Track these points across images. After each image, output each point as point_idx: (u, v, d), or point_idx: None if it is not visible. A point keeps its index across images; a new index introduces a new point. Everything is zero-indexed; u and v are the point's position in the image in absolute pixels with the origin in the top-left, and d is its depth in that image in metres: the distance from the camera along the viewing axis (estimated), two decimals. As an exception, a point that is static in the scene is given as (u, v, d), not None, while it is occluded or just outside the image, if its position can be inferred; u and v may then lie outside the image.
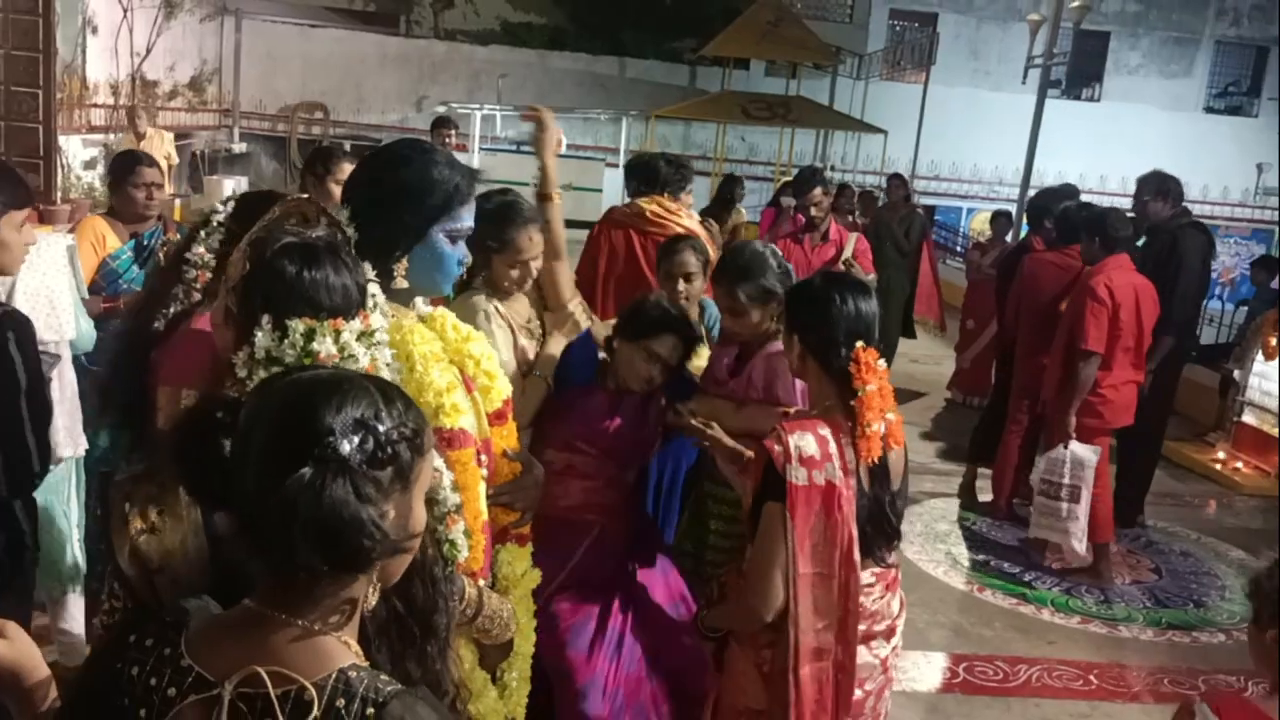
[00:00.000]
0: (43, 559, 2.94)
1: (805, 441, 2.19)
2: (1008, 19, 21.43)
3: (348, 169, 4.23)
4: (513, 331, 2.85)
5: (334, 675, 1.10)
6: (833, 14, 21.62)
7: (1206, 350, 8.59)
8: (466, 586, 1.82)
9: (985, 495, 6.03)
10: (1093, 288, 4.84)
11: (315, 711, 1.07)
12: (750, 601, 2.24)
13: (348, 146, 18.00)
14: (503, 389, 2.03)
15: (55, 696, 1.25)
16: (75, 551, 3.40)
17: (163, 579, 1.29)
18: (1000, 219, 9.35)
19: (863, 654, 2.31)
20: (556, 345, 2.92)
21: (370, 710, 1.08)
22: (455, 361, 1.92)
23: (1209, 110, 22.93)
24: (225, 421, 1.16)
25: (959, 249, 18.45)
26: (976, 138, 20.35)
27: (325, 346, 1.36)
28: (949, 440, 7.21)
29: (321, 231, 1.57)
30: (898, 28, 22.40)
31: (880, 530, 2.33)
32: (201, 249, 2.07)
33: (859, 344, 2.26)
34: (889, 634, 2.42)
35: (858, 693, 2.30)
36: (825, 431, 2.21)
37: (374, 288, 1.62)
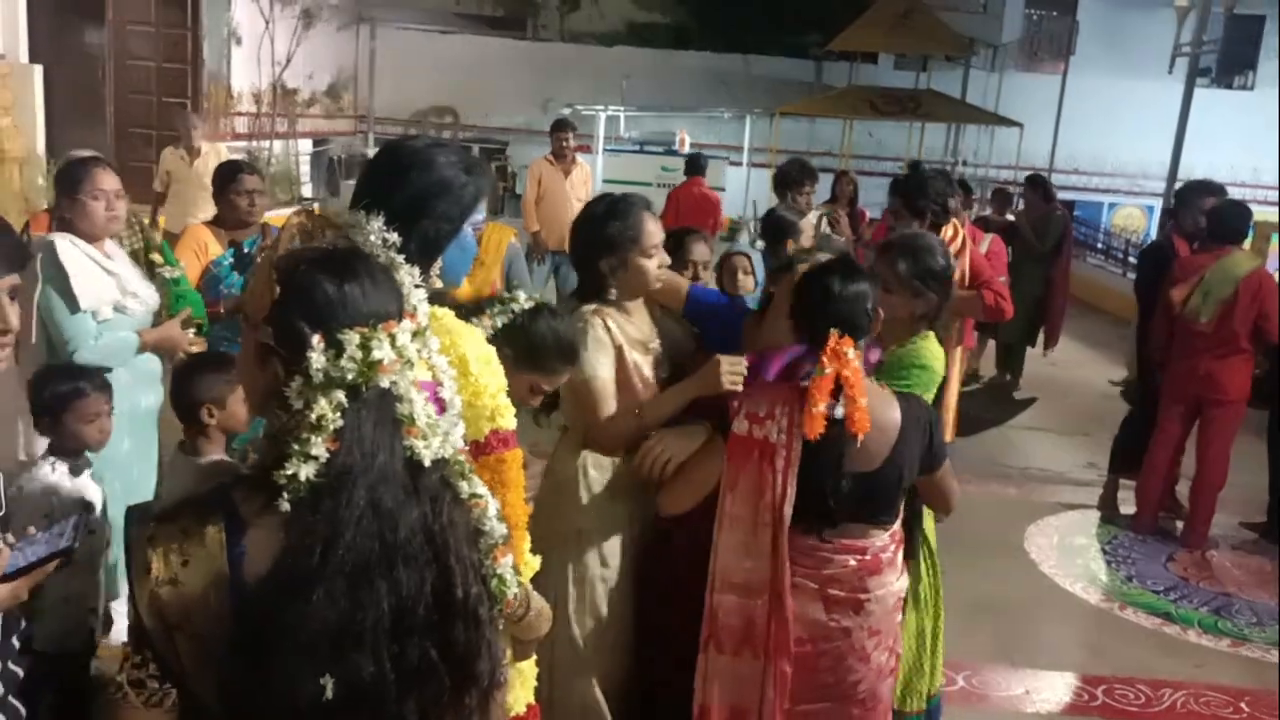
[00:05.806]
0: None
1: (756, 401, 2.48)
2: (1152, 5, 20.41)
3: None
4: (618, 347, 2.69)
5: None
6: (966, 3, 20.98)
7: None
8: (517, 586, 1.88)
9: (1128, 507, 5.75)
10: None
11: None
12: (665, 488, 2.62)
13: (476, 150, 18.36)
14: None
15: None
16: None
17: (182, 636, 1.21)
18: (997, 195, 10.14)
19: (816, 611, 2.49)
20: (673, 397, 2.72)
21: None
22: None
23: (1375, 98, 21.42)
24: None
25: (1099, 246, 17.74)
26: (1118, 130, 19.47)
27: (385, 353, 1.29)
28: (1089, 447, 6.90)
29: (338, 243, 1.49)
30: (1034, 17, 21.63)
31: (839, 502, 2.44)
32: None
33: (834, 330, 2.39)
34: (855, 606, 2.50)
35: (808, 647, 2.48)
36: (779, 397, 2.46)
37: (420, 292, 1.61)
